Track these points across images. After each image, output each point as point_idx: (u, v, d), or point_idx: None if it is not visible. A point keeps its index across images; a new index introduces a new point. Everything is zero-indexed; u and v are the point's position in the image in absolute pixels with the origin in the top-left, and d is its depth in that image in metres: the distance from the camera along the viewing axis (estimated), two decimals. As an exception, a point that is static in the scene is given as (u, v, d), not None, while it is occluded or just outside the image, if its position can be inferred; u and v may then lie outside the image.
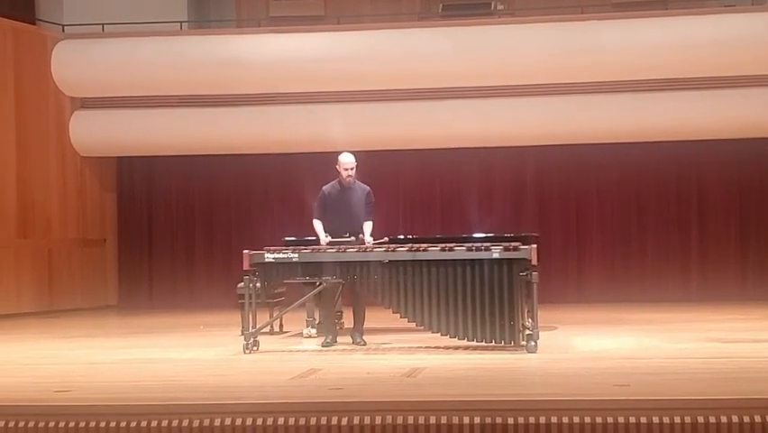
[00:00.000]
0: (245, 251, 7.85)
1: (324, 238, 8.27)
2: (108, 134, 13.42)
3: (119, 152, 13.84)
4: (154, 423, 4.98)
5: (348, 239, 8.23)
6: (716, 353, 7.36)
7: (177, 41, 13.17)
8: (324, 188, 8.48)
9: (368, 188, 8.47)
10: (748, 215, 13.34)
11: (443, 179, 13.78)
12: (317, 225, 8.39)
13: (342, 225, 8.31)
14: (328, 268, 7.71)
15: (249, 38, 13.12)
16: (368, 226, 8.33)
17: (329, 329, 8.28)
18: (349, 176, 8.32)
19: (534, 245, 7.47)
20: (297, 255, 7.72)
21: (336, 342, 8.18)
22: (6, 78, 12.56)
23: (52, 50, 13.05)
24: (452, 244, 7.64)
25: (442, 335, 7.58)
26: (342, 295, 8.72)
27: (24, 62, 12.81)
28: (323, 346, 8.09)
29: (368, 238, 8.22)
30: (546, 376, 6.29)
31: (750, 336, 8.50)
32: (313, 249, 7.89)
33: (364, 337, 8.22)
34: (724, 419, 4.74)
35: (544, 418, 4.81)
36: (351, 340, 8.21)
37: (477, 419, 4.82)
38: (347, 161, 8.35)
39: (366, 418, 4.87)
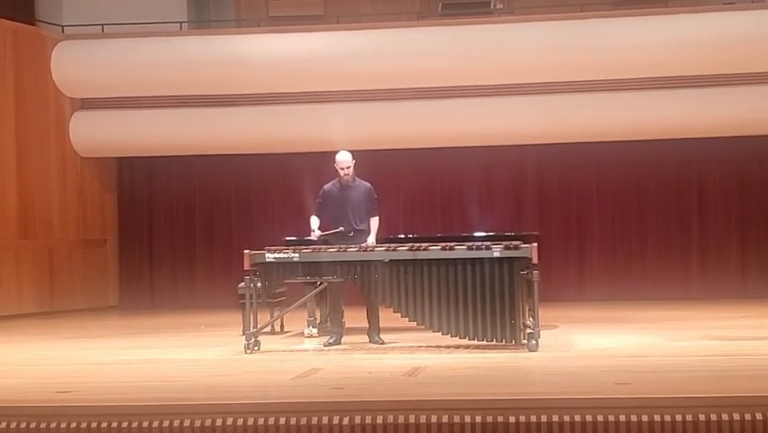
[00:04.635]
0: (246, 251, 7.85)
1: (316, 232, 8.24)
2: (108, 135, 13.41)
3: (119, 152, 13.83)
4: (155, 423, 4.98)
5: (337, 230, 8.21)
6: (717, 350, 7.35)
7: (177, 42, 13.16)
8: (325, 186, 8.49)
9: (369, 185, 8.45)
10: (749, 213, 13.33)
11: (443, 179, 13.77)
12: (312, 220, 8.35)
13: (343, 223, 8.30)
14: (329, 268, 7.71)
15: (248, 38, 13.11)
16: (374, 222, 8.33)
17: (335, 330, 8.27)
18: (346, 174, 8.31)
19: (535, 244, 7.46)
20: (297, 255, 7.72)
21: (340, 343, 8.17)
22: (6, 78, 12.56)
23: (52, 50, 13.04)
24: (452, 243, 7.64)
25: (443, 334, 7.58)
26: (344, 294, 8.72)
27: (24, 63, 12.80)
28: (325, 346, 8.10)
29: (371, 239, 8.21)
30: (547, 375, 6.29)
31: (751, 334, 8.51)
32: (313, 249, 7.88)
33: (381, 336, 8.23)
34: (725, 417, 4.74)
35: (545, 416, 4.81)
36: (355, 340, 8.19)
37: (478, 418, 4.83)
38: (342, 159, 8.33)
39: (367, 417, 4.87)
